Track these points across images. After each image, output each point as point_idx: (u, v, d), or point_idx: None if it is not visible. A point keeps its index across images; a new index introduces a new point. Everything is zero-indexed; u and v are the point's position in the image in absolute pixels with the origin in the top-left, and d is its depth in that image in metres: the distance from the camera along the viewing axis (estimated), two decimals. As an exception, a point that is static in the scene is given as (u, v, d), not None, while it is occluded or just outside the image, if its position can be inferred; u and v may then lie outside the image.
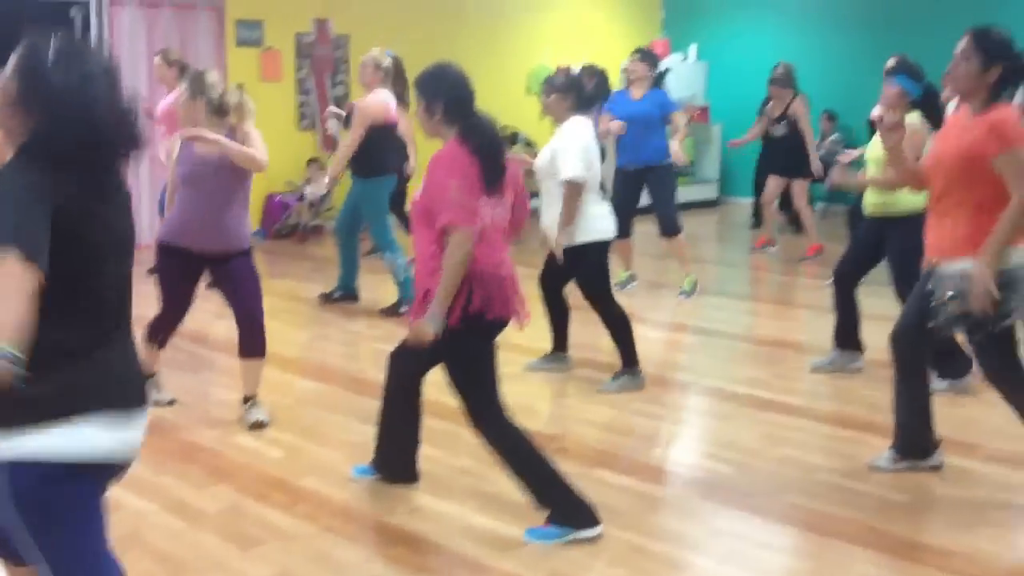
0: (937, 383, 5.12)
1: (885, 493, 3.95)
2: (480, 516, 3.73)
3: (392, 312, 6.72)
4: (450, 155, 3.46)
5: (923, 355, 4.03)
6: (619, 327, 5.28)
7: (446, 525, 3.67)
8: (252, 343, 4.64)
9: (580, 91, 5.35)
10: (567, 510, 3.55)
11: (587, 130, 5.18)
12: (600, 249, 5.23)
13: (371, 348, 5.99)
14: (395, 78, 6.92)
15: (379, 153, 6.74)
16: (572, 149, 5.05)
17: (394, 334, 4.85)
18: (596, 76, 7.44)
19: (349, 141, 6.70)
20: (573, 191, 5.02)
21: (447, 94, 3.52)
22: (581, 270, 5.23)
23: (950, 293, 3.66)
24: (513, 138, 12.00)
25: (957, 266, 3.66)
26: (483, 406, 3.59)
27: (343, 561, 3.43)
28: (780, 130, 9.04)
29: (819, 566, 3.41)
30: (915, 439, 4.10)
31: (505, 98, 11.98)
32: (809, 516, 3.77)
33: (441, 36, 11.17)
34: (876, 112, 4.82)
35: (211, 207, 4.49)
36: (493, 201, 3.50)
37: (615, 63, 10.17)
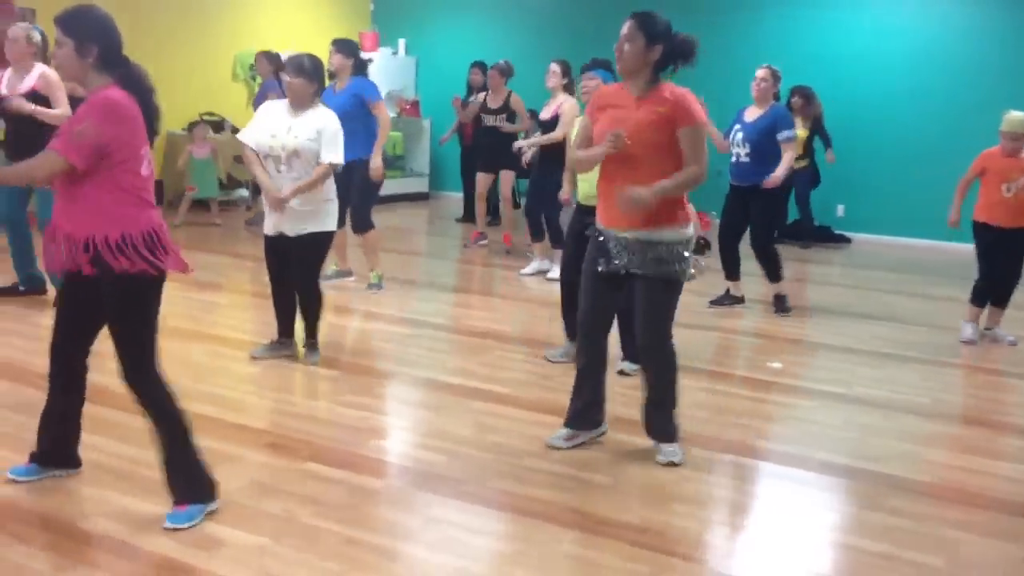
0: (627, 365, 5.47)
1: (589, 475, 4.14)
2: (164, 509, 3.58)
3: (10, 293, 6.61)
4: (115, 101, 3.29)
5: (605, 335, 4.40)
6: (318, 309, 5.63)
7: (130, 522, 3.49)
8: None
9: (323, 78, 5.49)
10: (199, 485, 3.55)
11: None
12: (331, 239, 5.58)
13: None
14: (46, 53, 6.45)
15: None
16: (340, 135, 5.43)
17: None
18: (352, 52, 7.36)
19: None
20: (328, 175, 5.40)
21: (103, 38, 3.35)
22: (310, 257, 5.46)
23: (654, 257, 4.10)
24: (219, 125, 11.59)
25: (651, 233, 4.09)
26: (147, 363, 3.46)
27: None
28: (494, 121, 9.29)
29: (526, 548, 3.52)
30: (591, 412, 4.46)
31: (210, 83, 11.57)
32: (517, 500, 3.88)
33: (144, 17, 10.63)
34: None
35: None
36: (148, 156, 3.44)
37: (324, 53, 10.04)
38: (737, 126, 7.19)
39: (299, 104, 5.41)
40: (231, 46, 11.78)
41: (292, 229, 5.43)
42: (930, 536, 3.71)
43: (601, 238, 4.23)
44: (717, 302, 7.49)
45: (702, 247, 9.41)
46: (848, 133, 10.84)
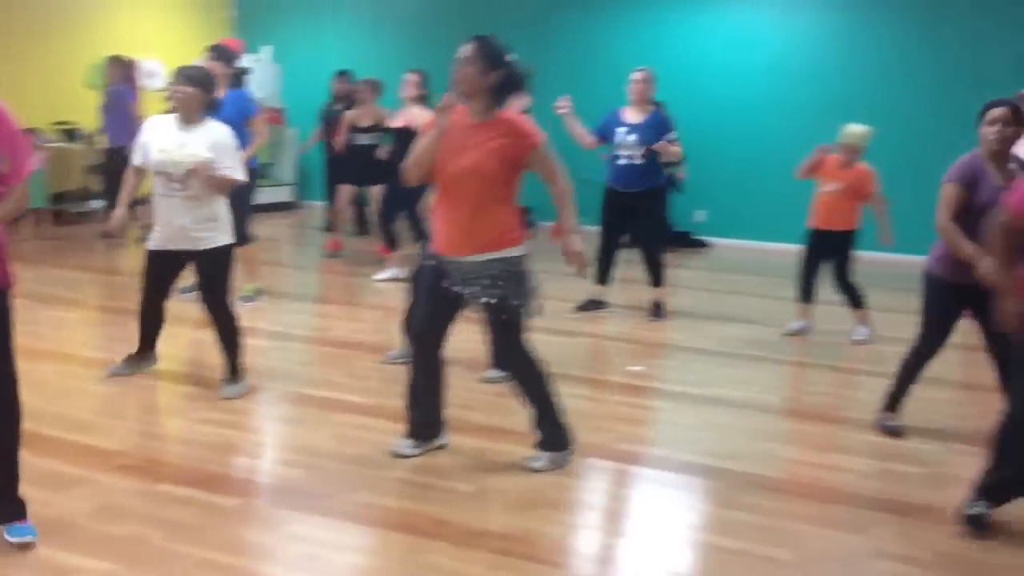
0: (494, 373, 5.49)
1: (453, 484, 4.13)
2: None
3: None
4: None
5: (441, 340, 4.36)
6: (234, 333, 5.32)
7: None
8: None
9: (214, 89, 5.23)
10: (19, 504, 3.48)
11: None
12: (230, 253, 5.28)
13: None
14: None
15: None
16: (238, 149, 5.19)
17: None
18: (232, 60, 7.18)
19: None
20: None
21: None
22: (212, 276, 5.17)
23: (490, 282, 4.10)
24: (71, 134, 11.19)
25: (487, 257, 4.09)
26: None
27: None
28: (367, 139, 9.24)
29: (387, 562, 3.49)
30: (431, 422, 4.44)
31: (64, 90, 11.17)
32: (380, 513, 3.85)
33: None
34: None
35: None
36: None
37: (185, 61, 9.79)
38: (624, 128, 7.19)
39: (189, 117, 5.06)
40: (87, 52, 11.37)
41: (184, 246, 5.12)
42: (783, 531, 3.82)
43: (439, 264, 4.22)
44: (584, 307, 7.57)
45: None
46: (707, 140, 11.12)
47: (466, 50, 4.05)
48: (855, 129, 6.66)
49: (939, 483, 4.37)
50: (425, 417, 4.44)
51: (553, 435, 4.39)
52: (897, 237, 6.97)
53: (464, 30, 4.41)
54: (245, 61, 12.64)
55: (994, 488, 3.84)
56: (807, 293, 7.05)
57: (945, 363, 5.22)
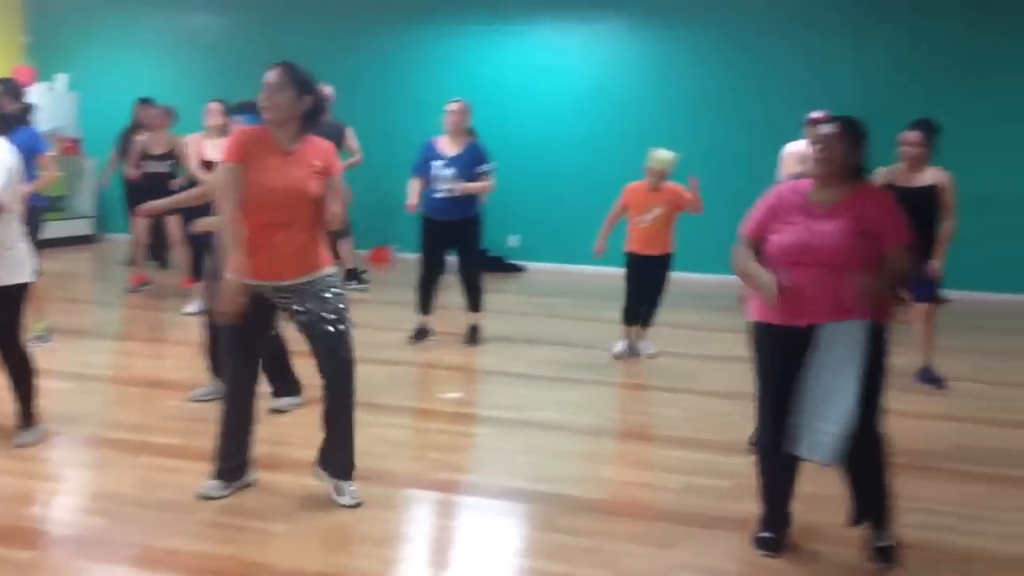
0: (283, 402, 5.40)
1: (265, 524, 4.00)
2: None
3: None
4: None
5: (255, 379, 4.30)
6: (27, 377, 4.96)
7: None
8: None
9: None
10: None
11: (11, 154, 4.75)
12: (22, 292, 4.88)
13: None
14: None
15: None
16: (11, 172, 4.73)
17: None
18: (19, 95, 6.76)
19: None
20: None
21: None
22: (8, 310, 4.80)
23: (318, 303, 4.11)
24: None
25: (311, 278, 4.10)
26: None
27: None
28: (160, 167, 8.95)
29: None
30: (240, 462, 4.30)
31: None
32: (190, 559, 3.68)
33: None
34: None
35: None
36: None
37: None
38: (440, 161, 7.19)
39: None
40: None
41: None
42: (600, 551, 3.87)
43: (254, 292, 4.12)
44: (416, 337, 7.47)
45: (358, 276, 9.49)
46: (519, 166, 11.27)
47: (275, 76, 3.98)
48: (662, 154, 6.89)
49: (743, 495, 4.53)
50: (235, 456, 4.29)
51: (351, 462, 4.29)
52: (704, 257, 7.25)
53: (269, 56, 4.32)
54: (37, 89, 12.11)
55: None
56: (631, 316, 7.21)
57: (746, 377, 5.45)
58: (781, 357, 3.72)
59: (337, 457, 4.26)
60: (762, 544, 3.92)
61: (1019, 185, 9.98)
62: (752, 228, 3.83)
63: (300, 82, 4.00)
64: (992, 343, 8.11)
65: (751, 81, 10.78)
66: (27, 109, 6.91)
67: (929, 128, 6.01)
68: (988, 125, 9.90)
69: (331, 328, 4.12)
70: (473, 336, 7.50)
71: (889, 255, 3.60)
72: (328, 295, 4.14)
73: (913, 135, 6.00)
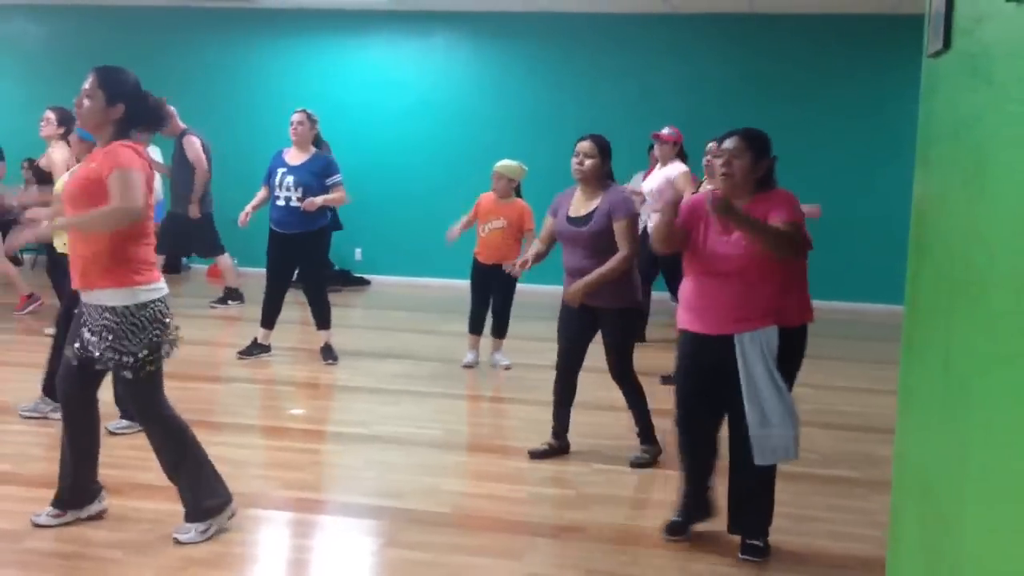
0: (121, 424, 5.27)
1: (98, 551, 3.88)
2: None
3: None
4: None
5: (90, 401, 4.07)
6: None
7: None
8: None
9: None
10: None
11: None
12: None
13: None
14: None
15: None
16: None
17: None
18: None
19: None
20: None
21: None
22: None
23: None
24: None
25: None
26: None
27: None
28: None
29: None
30: (80, 488, 4.13)
31: None
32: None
33: None
34: None
35: None
36: None
37: None
38: (282, 170, 7.10)
39: None
40: None
41: None
42: (447, 565, 3.91)
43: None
44: (246, 352, 7.35)
45: (229, 296, 9.35)
46: (362, 180, 11.22)
47: (87, 81, 3.87)
48: (509, 163, 7.01)
49: (586, 503, 4.65)
50: (78, 480, 4.10)
51: (197, 503, 4.04)
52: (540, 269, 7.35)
53: (96, 60, 4.20)
54: None
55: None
56: (476, 324, 7.28)
57: (594, 387, 5.60)
58: (692, 361, 4.07)
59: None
60: (667, 528, 4.21)
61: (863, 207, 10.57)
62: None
63: (113, 90, 3.85)
64: (822, 349, 8.49)
65: (586, 97, 11.06)
66: None
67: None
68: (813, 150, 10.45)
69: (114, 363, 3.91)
70: (329, 352, 7.40)
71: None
72: (105, 324, 3.84)
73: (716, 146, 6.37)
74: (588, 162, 5.09)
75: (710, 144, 6.35)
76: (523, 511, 4.54)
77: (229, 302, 9.43)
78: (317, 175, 7.12)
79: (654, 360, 6.97)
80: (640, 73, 10.98)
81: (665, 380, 6.83)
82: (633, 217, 5.07)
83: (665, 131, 8.00)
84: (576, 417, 5.35)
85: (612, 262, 4.95)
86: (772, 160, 3.98)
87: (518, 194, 7.21)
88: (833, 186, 10.23)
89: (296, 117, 7.21)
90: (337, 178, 7.21)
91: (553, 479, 4.97)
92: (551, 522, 4.40)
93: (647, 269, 8.10)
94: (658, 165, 8.13)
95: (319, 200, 7.06)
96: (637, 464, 5.14)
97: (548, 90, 11.21)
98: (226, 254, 9.43)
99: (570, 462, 5.18)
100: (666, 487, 4.70)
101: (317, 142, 7.40)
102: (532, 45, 11.29)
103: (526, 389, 6.77)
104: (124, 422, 5.31)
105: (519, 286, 7.20)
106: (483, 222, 7.09)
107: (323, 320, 7.42)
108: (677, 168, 7.87)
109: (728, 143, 3.95)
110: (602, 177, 5.14)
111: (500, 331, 7.34)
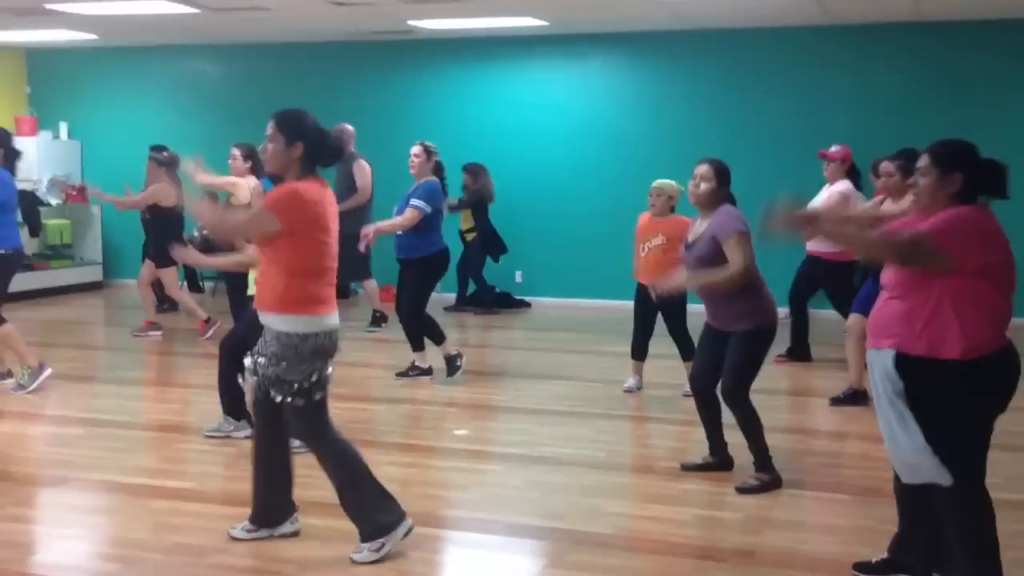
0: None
1: (278, 568, 4.01)
2: None
3: None
4: None
5: (280, 423, 4.13)
6: None
7: None
8: None
9: None
10: None
11: None
12: None
13: None
14: None
15: None
16: None
17: None
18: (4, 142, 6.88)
19: None
20: None
21: None
22: None
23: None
24: None
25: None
26: None
27: None
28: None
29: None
30: (271, 507, 4.25)
31: None
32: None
33: None
34: None
35: None
36: None
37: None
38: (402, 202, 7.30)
39: None
40: None
41: None
42: (611, 586, 3.88)
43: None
44: (403, 374, 7.51)
45: (379, 320, 9.55)
46: (520, 203, 11.35)
47: (268, 127, 4.03)
48: (665, 182, 6.89)
49: (754, 527, 4.54)
50: (270, 501, 4.25)
51: (369, 520, 4.09)
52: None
53: (274, 101, 4.39)
54: (40, 138, 12.29)
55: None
56: (637, 350, 7.15)
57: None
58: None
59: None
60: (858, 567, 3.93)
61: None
62: None
63: (291, 132, 3.99)
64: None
65: (750, 114, 10.86)
66: (11, 156, 6.98)
67: (905, 158, 5.89)
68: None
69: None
70: (451, 366, 7.42)
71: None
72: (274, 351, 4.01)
73: (888, 165, 6.15)
74: (704, 186, 5.04)
75: (883, 164, 6.15)
76: (689, 534, 4.47)
77: (383, 325, 9.61)
78: (407, 201, 7.26)
79: (824, 382, 6.75)
80: (803, 87, 10.71)
81: (835, 401, 6.62)
82: (740, 233, 4.89)
83: (832, 149, 7.78)
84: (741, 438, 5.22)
85: (723, 273, 4.85)
86: (968, 173, 3.52)
87: None
88: None
89: (413, 150, 7.38)
90: (417, 203, 7.20)
91: (719, 501, 4.88)
92: (718, 545, 4.32)
93: (803, 290, 7.93)
94: (826, 184, 7.89)
95: (379, 225, 7.24)
96: (743, 490, 4.93)
97: (708, 109, 11.05)
98: (372, 279, 9.67)
99: (735, 483, 5.06)
100: (843, 513, 4.56)
101: (437, 170, 7.52)
102: (691, 63, 11.16)
103: (695, 410, 6.65)
104: (229, 426, 5.63)
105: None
106: (642, 241, 6.93)
107: (413, 343, 7.45)
108: (837, 187, 7.65)
109: (919, 161, 3.73)
110: (717, 202, 5.05)
111: (686, 352, 6.84)
